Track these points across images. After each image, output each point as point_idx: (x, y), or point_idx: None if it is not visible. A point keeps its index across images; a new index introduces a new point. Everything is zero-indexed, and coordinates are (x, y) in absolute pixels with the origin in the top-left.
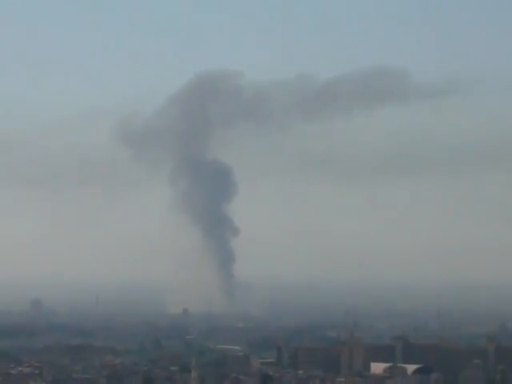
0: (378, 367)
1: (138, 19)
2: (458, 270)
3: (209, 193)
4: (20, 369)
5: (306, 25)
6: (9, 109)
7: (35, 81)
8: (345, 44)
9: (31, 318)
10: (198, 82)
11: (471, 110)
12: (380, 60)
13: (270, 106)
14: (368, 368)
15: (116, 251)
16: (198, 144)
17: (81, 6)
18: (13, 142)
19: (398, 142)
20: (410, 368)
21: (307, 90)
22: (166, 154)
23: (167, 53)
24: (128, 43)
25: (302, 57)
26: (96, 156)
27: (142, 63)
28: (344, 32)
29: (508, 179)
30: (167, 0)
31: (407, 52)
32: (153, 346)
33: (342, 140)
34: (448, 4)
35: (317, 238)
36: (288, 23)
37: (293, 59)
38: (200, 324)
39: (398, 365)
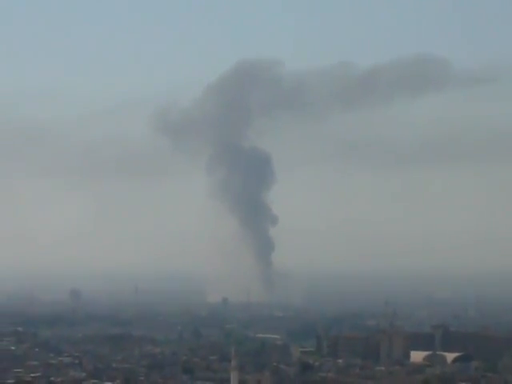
0: (417, 355)
1: (176, 8)
2: (497, 257)
3: (247, 181)
4: (60, 359)
5: (346, 13)
6: (49, 99)
7: (74, 71)
8: (384, 32)
9: (70, 308)
10: (237, 70)
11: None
12: (420, 48)
13: (310, 95)
14: (408, 356)
15: (154, 240)
16: (236, 133)
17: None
18: (53, 131)
19: (438, 130)
20: (450, 356)
21: (347, 78)
22: (204, 144)
23: (206, 41)
24: (166, 32)
25: (342, 45)
26: (135, 146)
27: (181, 52)
28: (383, 20)
29: None
30: None
31: (447, 40)
32: (192, 336)
33: (380, 128)
34: None
35: (355, 226)
36: (328, 11)
37: (333, 47)
38: (239, 313)
39: (438, 353)
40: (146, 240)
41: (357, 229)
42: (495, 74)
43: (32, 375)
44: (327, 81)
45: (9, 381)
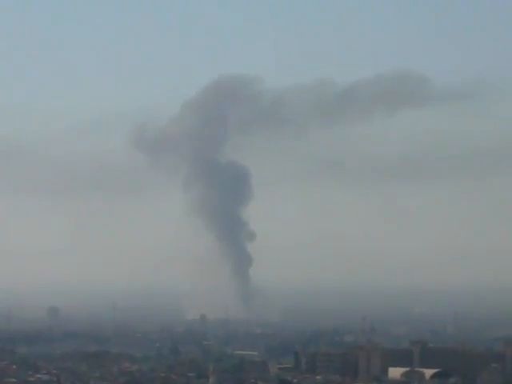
0: (395, 372)
1: (154, 24)
2: (474, 273)
3: (224, 197)
4: (38, 376)
5: (326, 29)
6: (23, 115)
7: (50, 87)
8: (364, 48)
9: (48, 325)
10: (216, 86)
11: (491, 114)
12: (399, 64)
13: (288, 111)
14: (386, 372)
15: (132, 257)
16: (213, 148)
17: (97, 9)
18: (27, 147)
19: (416, 146)
20: (428, 372)
21: (325, 94)
22: (181, 160)
23: (185, 58)
24: (145, 48)
25: (321, 62)
26: (111, 162)
27: (159, 68)
28: (363, 36)
29: None
30: (183, 4)
31: (426, 55)
32: (170, 353)
33: (358, 145)
34: (467, 5)
35: (333, 243)
36: (308, 28)
37: (312, 64)
38: (217, 330)
39: (416, 369)
40: (123, 257)
41: (335, 245)
42: (474, 90)
43: None
44: (306, 97)
45: None
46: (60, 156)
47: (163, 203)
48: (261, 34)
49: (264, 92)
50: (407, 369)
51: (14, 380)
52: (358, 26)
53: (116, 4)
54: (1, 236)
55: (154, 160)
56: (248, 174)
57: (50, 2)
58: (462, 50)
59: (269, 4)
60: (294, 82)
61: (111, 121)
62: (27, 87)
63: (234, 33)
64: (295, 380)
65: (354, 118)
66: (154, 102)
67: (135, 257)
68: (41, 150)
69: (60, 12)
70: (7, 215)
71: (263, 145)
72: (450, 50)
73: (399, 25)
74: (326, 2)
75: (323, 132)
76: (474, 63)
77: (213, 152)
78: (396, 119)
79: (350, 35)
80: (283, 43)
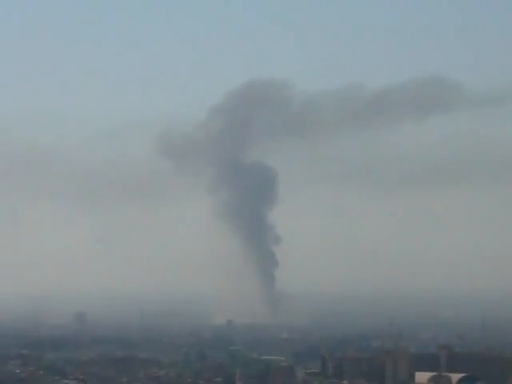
0: (422, 376)
1: (183, 29)
2: (502, 276)
3: (250, 200)
4: (65, 381)
5: (358, 34)
6: (50, 122)
7: (75, 94)
8: (396, 53)
9: (76, 331)
10: (245, 90)
11: None
12: (431, 69)
13: (317, 117)
14: (413, 377)
15: (159, 263)
16: (239, 152)
17: (122, 17)
18: (53, 155)
19: (444, 152)
20: (455, 377)
21: (355, 100)
22: (207, 164)
23: (213, 62)
24: (172, 53)
25: (351, 67)
26: (137, 168)
27: (187, 73)
28: (394, 42)
29: None
30: (210, 9)
31: (458, 61)
32: (197, 358)
33: (387, 151)
34: (502, 11)
35: (360, 247)
36: (340, 33)
37: (344, 69)
38: (244, 335)
39: (443, 374)
40: (150, 262)
41: (361, 249)
42: (506, 96)
43: None
44: (335, 102)
45: None
46: (87, 162)
47: (189, 208)
48: (291, 38)
49: (294, 96)
50: (434, 373)
51: None
52: (391, 31)
53: (143, 10)
54: (29, 243)
55: (181, 165)
56: (274, 175)
57: (78, 8)
58: (495, 56)
59: (300, 9)
60: (325, 86)
61: (138, 127)
62: (54, 94)
63: (264, 38)
64: None
65: (383, 124)
66: (180, 107)
67: (162, 262)
68: (68, 157)
69: (87, 18)
70: (35, 222)
71: (291, 149)
72: (483, 55)
73: (432, 30)
74: (359, 7)
75: (352, 137)
76: (507, 68)
77: (239, 155)
78: (426, 125)
79: (383, 40)
80: (315, 48)
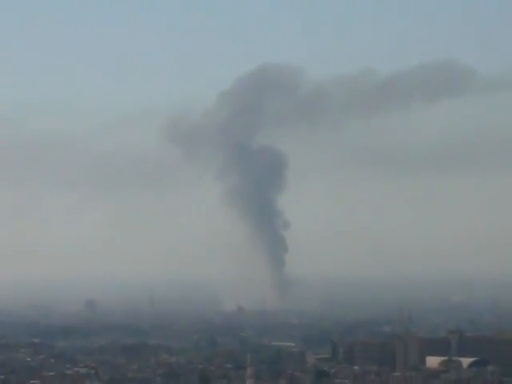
0: (433, 361)
1: (192, 17)
2: None
3: (259, 184)
4: (76, 369)
5: (368, 19)
6: (60, 109)
7: (86, 81)
8: (408, 38)
9: (86, 319)
10: (254, 76)
11: None
12: (443, 53)
13: (328, 102)
14: (423, 362)
15: (169, 250)
16: (248, 137)
17: (129, 5)
18: (64, 142)
19: (456, 137)
20: (466, 361)
21: (366, 85)
22: (216, 150)
23: (223, 50)
24: (180, 41)
25: (364, 51)
26: (148, 156)
27: (196, 61)
28: (408, 26)
29: None
30: None
31: (470, 46)
32: (207, 344)
33: (397, 136)
34: None
35: (369, 233)
36: (351, 18)
37: (355, 54)
38: (254, 321)
39: (454, 358)
40: (160, 249)
41: (371, 235)
42: None
43: None
44: (346, 88)
45: None
46: (97, 150)
47: (199, 195)
48: (302, 24)
49: (304, 82)
50: (445, 358)
51: (52, 373)
52: (403, 16)
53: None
54: (40, 230)
55: (190, 151)
56: (284, 160)
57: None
58: (506, 41)
59: None
60: (336, 72)
61: (145, 115)
62: (64, 84)
63: (274, 24)
64: (333, 370)
65: (393, 109)
66: (189, 94)
67: (172, 249)
68: (78, 145)
69: (98, 9)
70: (45, 210)
71: (301, 135)
72: (494, 40)
73: (445, 14)
74: None
75: (362, 122)
76: None
77: (247, 141)
78: (436, 109)
79: (395, 25)
80: (325, 33)
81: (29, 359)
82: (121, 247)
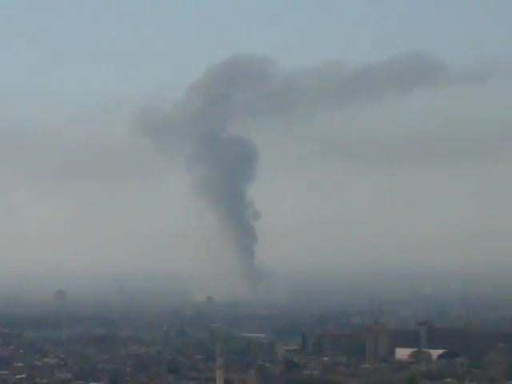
0: (402, 353)
1: (164, 8)
2: (482, 254)
3: (228, 176)
4: (45, 360)
5: (341, 11)
6: (31, 99)
7: (57, 71)
8: (377, 31)
9: (56, 309)
10: (224, 67)
11: (504, 96)
12: (413, 46)
13: (299, 94)
14: (393, 353)
15: (138, 240)
16: (218, 128)
17: None
18: (35, 132)
19: (426, 129)
20: (435, 353)
21: (337, 77)
22: (186, 141)
23: (195, 41)
24: (152, 31)
25: (334, 44)
26: (118, 146)
27: (168, 52)
28: (377, 18)
29: None
30: None
31: (441, 38)
32: (177, 335)
33: (368, 127)
34: None
35: (340, 225)
36: (321, 10)
37: (325, 46)
38: (224, 312)
39: (423, 350)
40: (129, 240)
41: (342, 227)
42: (487, 73)
43: (17, 377)
44: (317, 80)
45: None
46: (66, 141)
47: (168, 186)
48: (272, 15)
49: (275, 73)
50: (414, 349)
51: (21, 364)
52: (374, 9)
53: None
54: (9, 221)
55: (160, 142)
56: (253, 150)
57: None
58: (476, 33)
59: None
60: (307, 63)
61: (117, 105)
62: (34, 74)
63: (244, 16)
64: (302, 362)
65: (364, 100)
66: (160, 85)
67: (141, 240)
68: (47, 136)
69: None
70: (15, 200)
71: (271, 126)
72: (464, 32)
73: (416, 7)
74: None
75: (333, 114)
76: (487, 45)
77: (217, 132)
78: (407, 101)
79: (366, 18)
80: (296, 25)
81: None
82: (91, 238)
